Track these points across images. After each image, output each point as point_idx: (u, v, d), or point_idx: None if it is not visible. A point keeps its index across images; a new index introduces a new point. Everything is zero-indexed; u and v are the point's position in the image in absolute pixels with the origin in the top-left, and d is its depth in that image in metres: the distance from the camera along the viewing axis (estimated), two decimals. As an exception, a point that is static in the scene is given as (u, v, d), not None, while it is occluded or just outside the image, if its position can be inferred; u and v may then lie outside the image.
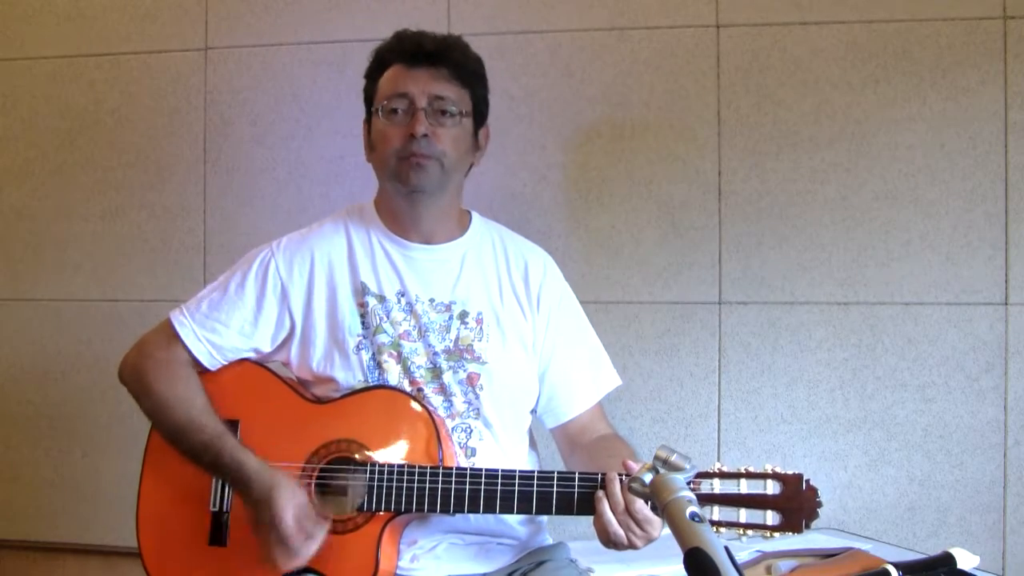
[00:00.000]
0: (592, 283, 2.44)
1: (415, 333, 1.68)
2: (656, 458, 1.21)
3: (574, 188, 2.48)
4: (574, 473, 1.53)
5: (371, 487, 1.56)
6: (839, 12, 2.38)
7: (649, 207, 2.45)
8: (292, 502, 1.53)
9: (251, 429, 1.66)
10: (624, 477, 1.47)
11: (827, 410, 2.39)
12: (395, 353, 1.67)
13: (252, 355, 1.73)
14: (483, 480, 1.54)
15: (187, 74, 2.64)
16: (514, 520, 1.70)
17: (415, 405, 1.62)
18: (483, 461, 1.65)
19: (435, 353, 1.67)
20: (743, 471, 1.45)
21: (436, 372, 1.67)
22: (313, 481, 1.60)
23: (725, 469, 1.45)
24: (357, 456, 1.60)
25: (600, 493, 1.47)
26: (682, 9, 2.44)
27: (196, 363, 1.70)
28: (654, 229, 2.45)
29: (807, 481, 1.43)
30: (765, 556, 1.96)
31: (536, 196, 2.49)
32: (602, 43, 2.47)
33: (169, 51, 2.65)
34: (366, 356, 1.66)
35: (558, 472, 1.54)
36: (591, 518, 1.49)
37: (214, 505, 1.65)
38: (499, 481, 1.54)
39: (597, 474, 1.51)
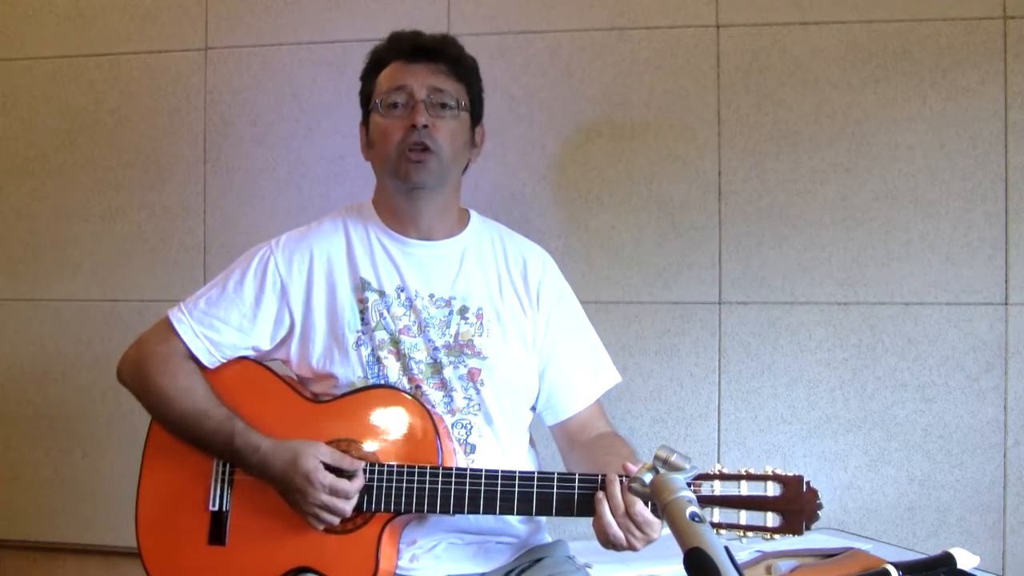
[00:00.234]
0: (592, 283, 2.44)
1: (415, 328, 1.68)
2: (656, 458, 1.22)
3: (574, 188, 2.48)
4: (574, 474, 1.53)
5: (370, 487, 1.57)
6: (839, 12, 2.38)
7: (649, 207, 2.45)
8: (318, 458, 1.55)
9: (252, 428, 1.65)
10: (624, 479, 1.47)
11: (827, 410, 2.39)
12: (394, 349, 1.67)
13: (251, 353, 1.73)
14: (483, 481, 1.55)
15: (187, 74, 2.64)
16: (514, 519, 1.70)
17: (414, 404, 1.62)
18: (482, 458, 1.66)
19: (435, 348, 1.67)
20: (743, 473, 1.45)
21: (436, 368, 1.67)
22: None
23: (725, 471, 1.45)
24: (356, 456, 1.60)
25: (600, 495, 1.47)
26: (682, 9, 2.44)
27: (195, 360, 1.70)
28: (654, 229, 2.45)
29: (807, 483, 1.43)
30: (765, 556, 1.96)
31: (536, 196, 2.49)
32: (602, 43, 2.47)
33: (169, 51, 2.65)
34: (365, 352, 1.67)
35: (558, 473, 1.54)
36: (591, 519, 1.49)
37: (213, 504, 1.65)
38: (499, 482, 1.54)
39: (597, 475, 1.51)
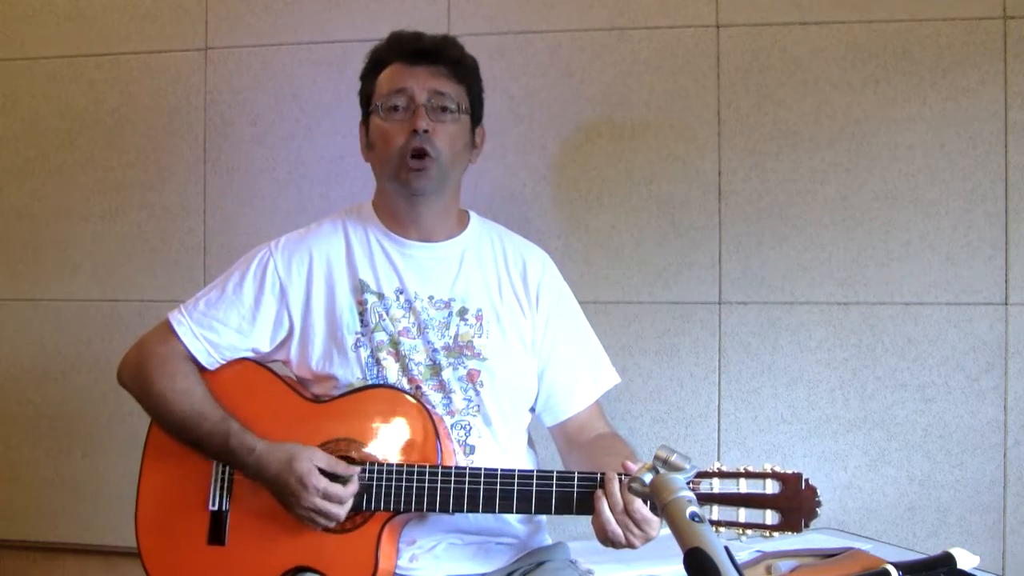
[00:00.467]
0: (592, 283, 2.44)
1: (414, 330, 1.68)
2: (656, 458, 1.22)
3: (574, 188, 2.48)
4: (573, 473, 1.53)
5: (370, 486, 1.57)
6: (839, 12, 2.38)
7: (649, 207, 2.45)
8: (313, 462, 1.55)
9: (250, 428, 1.65)
10: (623, 477, 1.47)
11: (827, 410, 2.39)
12: (393, 351, 1.67)
13: (251, 355, 1.73)
14: (482, 479, 1.55)
15: (187, 74, 2.64)
16: (513, 519, 1.70)
17: (414, 403, 1.62)
18: (482, 459, 1.65)
19: (434, 350, 1.67)
20: (742, 471, 1.45)
21: (435, 369, 1.67)
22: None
23: (724, 469, 1.45)
24: (356, 455, 1.60)
25: (599, 492, 1.47)
26: (682, 9, 2.44)
27: (194, 362, 1.70)
28: (654, 229, 2.45)
29: (806, 480, 1.43)
30: (765, 556, 1.95)
31: (536, 196, 2.49)
32: (602, 43, 2.47)
33: (169, 51, 2.65)
34: (364, 353, 1.67)
35: (557, 472, 1.54)
36: (590, 517, 1.49)
37: (213, 504, 1.65)
38: (498, 480, 1.54)
39: (596, 474, 1.51)
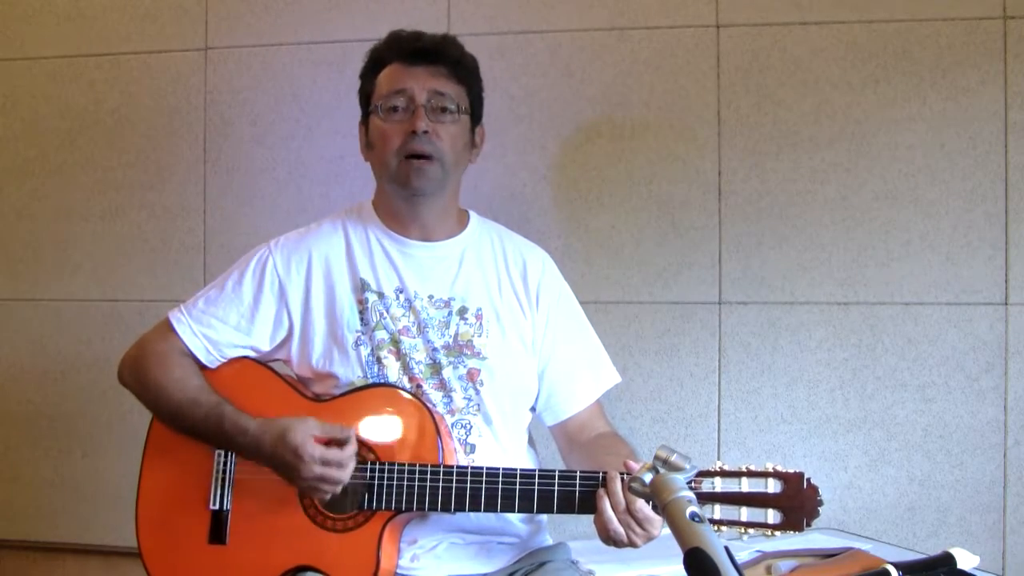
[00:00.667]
0: (592, 283, 2.44)
1: (414, 329, 1.68)
2: (656, 458, 1.22)
3: (574, 188, 2.48)
4: (575, 472, 1.54)
5: (371, 485, 1.57)
6: (839, 12, 2.38)
7: (649, 207, 2.45)
8: (308, 432, 1.54)
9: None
10: (625, 476, 1.47)
11: (827, 410, 2.39)
12: (394, 349, 1.67)
13: (251, 354, 1.73)
14: (484, 478, 1.55)
15: (187, 74, 2.64)
16: (515, 518, 1.70)
17: (414, 402, 1.62)
18: (482, 458, 1.66)
19: (434, 349, 1.67)
20: (744, 470, 1.45)
21: (436, 368, 1.67)
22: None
23: (726, 468, 1.45)
24: (357, 454, 1.60)
25: (601, 491, 1.48)
26: (682, 9, 2.44)
27: (194, 359, 1.70)
28: (654, 229, 2.45)
29: (808, 480, 1.43)
30: (765, 556, 1.95)
31: (536, 196, 2.49)
32: (602, 43, 2.47)
33: (169, 51, 2.65)
34: (365, 352, 1.67)
35: (559, 471, 1.54)
36: (591, 517, 1.50)
37: (213, 503, 1.65)
38: (500, 480, 1.54)
39: (598, 473, 1.51)
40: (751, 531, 1.43)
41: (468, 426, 1.67)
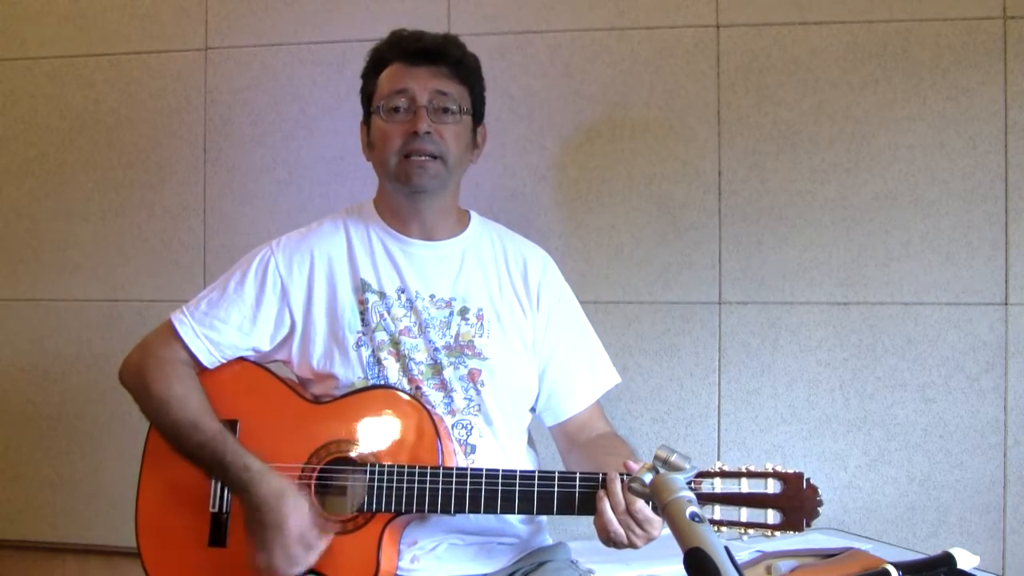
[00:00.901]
0: (592, 283, 2.44)
1: (415, 329, 1.68)
2: (656, 458, 1.22)
3: (574, 188, 2.48)
4: (575, 473, 1.53)
5: (371, 488, 1.57)
6: (839, 12, 2.38)
7: (649, 207, 2.45)
8: (297, 511, 1.54)
9: (250, 429, 1.66)
10: (625, 477, 1.47)
11: (827, 410, 2.39)
12: (394, 350, 1.67)
13: (251, 354, 1.73)
14: (484, 480, 1.54)
15: (187, 74, 2.64)
16: (515, 519, 1.70)
17: (414, 404, 1.62)
18: (482, 458, 1.66)
19: (435, 349, 1.67)
20: (744, 470, 1.45)
21: (436, 368, 1.67)
22: (313, 482, 1.60)
23: (726, 468, 1.45)
24: (357, 456, 1.60)
25: (601, 492, 1.47)
26: (682, 9, 2.44)
27: (195, 361, 1.70)
28: (654, 229, 2.45)
29: (808, 480, 1.43)
30: (765, 556, 1.96)
31: (536, 196, 2.49)
32: (602, 43, 2.47)
33: (169, 51, 2.65)
34: (366, 353, 1.67)
35: (559, 472, 1.54)
36: (591, 517, 1.50)
37: (213, 506, 1.65)
38: (500, 481, 1.54)
39: (598, 474, 1.51)
40: (751, 531, 1.43)
41: (469, 426, 1.67)
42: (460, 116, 1.69)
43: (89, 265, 2.68)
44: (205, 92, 2.64)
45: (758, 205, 2.41)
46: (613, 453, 1.62)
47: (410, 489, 1.56)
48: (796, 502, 1.42)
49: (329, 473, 1.60)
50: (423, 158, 1.65)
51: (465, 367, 1.68)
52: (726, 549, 1.03)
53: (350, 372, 1.66)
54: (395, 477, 1.56)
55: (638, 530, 1.45)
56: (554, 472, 1.54)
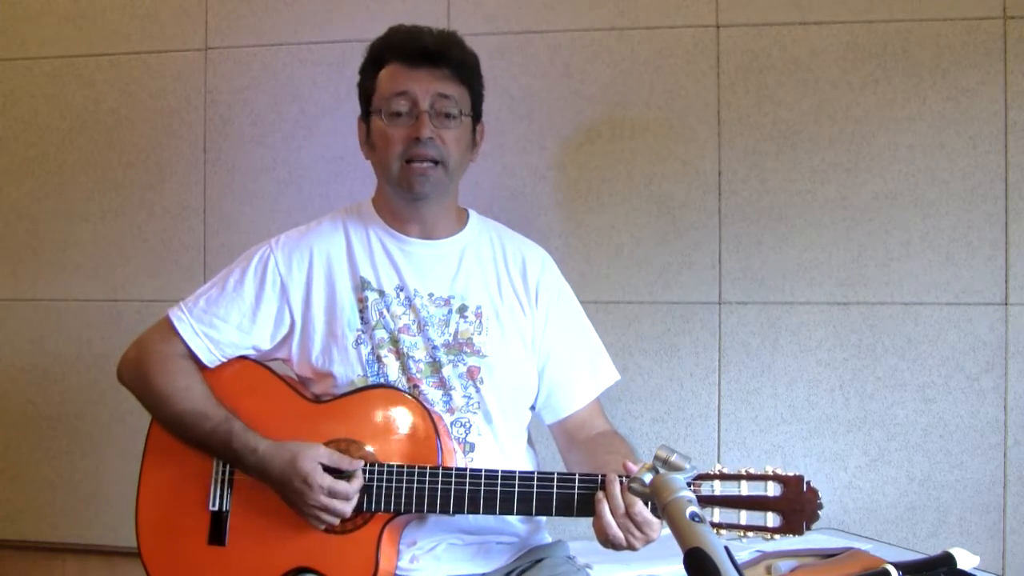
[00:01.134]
0: (592, 283, 2.44)
1: (414, 327, 1.68)
2: (656, 458, 1.22)
3: (574, 188, 2.48)
4: (574, 474, 1.53)
5: (370, 487, 1.57)
6: (839, 12, 2.38)
7: (649, 207, 2.45)
8: (316, 460, 1.56)
9: (251, 428, 1.65)
10: (624, 479, 1.47)
11: (827, 410, 2.39)
12: (394, 348, 1.67)
13: (252, 352, 1.73)
14: (483, 481, 1.55)
15: (187, 74, 2.64)
16: (513, 518, 1.70)
17: (414, 403, 1.62)
18: (481, 457, 1.66)
19: (434, 347, 1.67)
20: (743, 473, 1.45)
21: (435, 366, 1.67)
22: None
23: (725, 471, 1.45)
24: (356, 456, 1.60)
25: (600, 495, 1.47)
26: (682, 9, 2.44)
27: (195, 359, 1.70)
28: (654, 229, 2.45)
29: (808, 483, 1.43)
30: (765, 556, 1.96)
31: (536, 195, 2.49)
32: (602, 43, 2.47)
33: (169, 51, 2.65)
34: (365, 350, 1.67)
35: (558, 473, 1.54)
36: (590, 519, 1.49)
37: (213, 505, 1.65)
38: (499, 482, 1.54)
39: (597, 475, 1.51)
40: (751, 534, 1.43)
41: (467, 425, 1.67)
42: (461, 119, 1.68)
43: (89, 265, 2.68)
44: (205, 92, 2.64)
45: (758, 205, 2.41)
46: (613, 451, 1.62)
47: (409, 489, 1.56)
48: (796, 505, 1.42)
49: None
50: (425, 164, 1.64)
51: (464, 364, 1.68)
52: (726, 549, 1.03)
53: (349, 370, 1.66)
54: (394, 477, 1.56)
55: (637, 532, 1.45)
56: (553, 473, 1.54)
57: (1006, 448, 2.33)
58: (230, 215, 2.61)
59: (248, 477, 1.63)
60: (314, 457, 1.56)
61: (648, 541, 1.46)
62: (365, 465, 1.58)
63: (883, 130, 2.37)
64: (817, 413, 2.39)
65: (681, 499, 1.13)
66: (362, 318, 1.69)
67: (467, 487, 1.55)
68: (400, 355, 1.67)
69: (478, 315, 1.71)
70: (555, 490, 1.53)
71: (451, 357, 1.68)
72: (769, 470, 1.44)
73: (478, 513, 1.56)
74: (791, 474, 1.43)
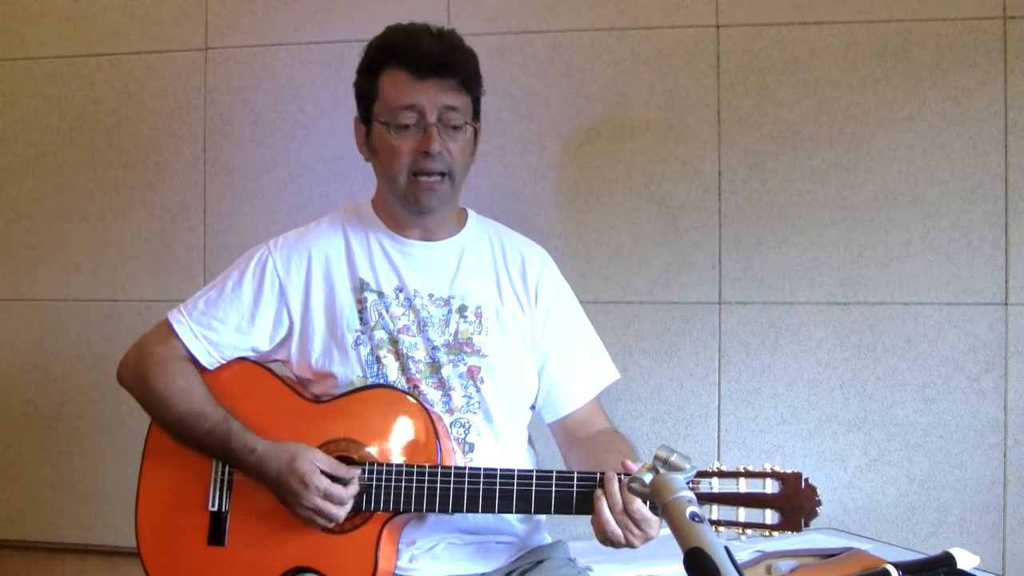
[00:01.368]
0: (592, 283, 2.44)
1: (414, 328, 1.68)
2: (656, 458, 1.22)
3: (574, 188, 2.48)
4: (573, 472, 1.53)
5: (370, 487, 1.57)
6: (839, 12, 2.38)
7: (649, 207, 2.45)
8: (315, 463, 1.55)
9: (250, 428, 1.65)
10: (623, 476, 1.47)
11: (827, 410, 2.39)
12: (393, 348, 1.67)
13: (251, 354, 1.73)
14: (482, 479, 1.55)
15: (187, 74, 2.64)
16: (513, 517, 1.70)
17: (413, 403, 1.62)
18: (481, 457, 1.66)
19: (434, 347, 1.67)
20: (742, 470, 1.45)
21: (435, 367, 1.67)
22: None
23: (724, 468, 1.45)
24: (356, 455, 1.60)
25: (599, 492, 1.47)
26: (682, 9, 2.44)
27: (194, 361, 1.70)
28: (654, 229, 2.45)
29: (806, 480, 1.43)
30: (765, 556, 1.95)
31: (536, 195, 2.49)
32: (602, 43, 2.47)
33: (169, 51, 2.66)
34: (364, 351, 1.67)
35: (557, 471, 1.54)
36: (589, 517, 1.49)
37: (212, 505, 1.65)
38: (498, 480, 1.54)
39: (596, 473, 1.51)
40: (749, 531, 1.43)
41: (467, 425, 1.67)
42: (466, 128, 1.67)
43: (89, 265, 2.68)
44: (205, 92, 2.64)
45: (758, 205, 2.41)
46: (613, 450, 1.62)
47: (408, 488, 1.56)
48: (794, 502, 1.42)
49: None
50: (432, 179, 1.64)
51: (464, 364, 1.68)
52: (726, 549, 1.03)
53: (349, 371, 1.67)
54: (394, 476, 1.56)
55: (636, 530, 1.45)
56: (552, 471, 1.54)
57: (1006, 448, 2.33)
58: (230, 215, 2.61)
59: (247, 478, 1.63)
60: (312, 460, 1.56)
61: (647, 538, 1.46)
62: (364, 465, 1.58)
63: (883, 130, 2.36)
64: (817, 413, 2.39)
65: (681, 499, 1.13)
66: (361, 319, 1.69)
67: (466, 486, 1.55)
68: (399, 356, 1.67)
69: (478, 315, 1.71)
70: (554, 488, 1.53)
71: (451, 357, 1.68)
72: (767, 467, 1.44)
73: (477, 512, 1.56)
74: (789, 471, 1.43)
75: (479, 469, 1.56)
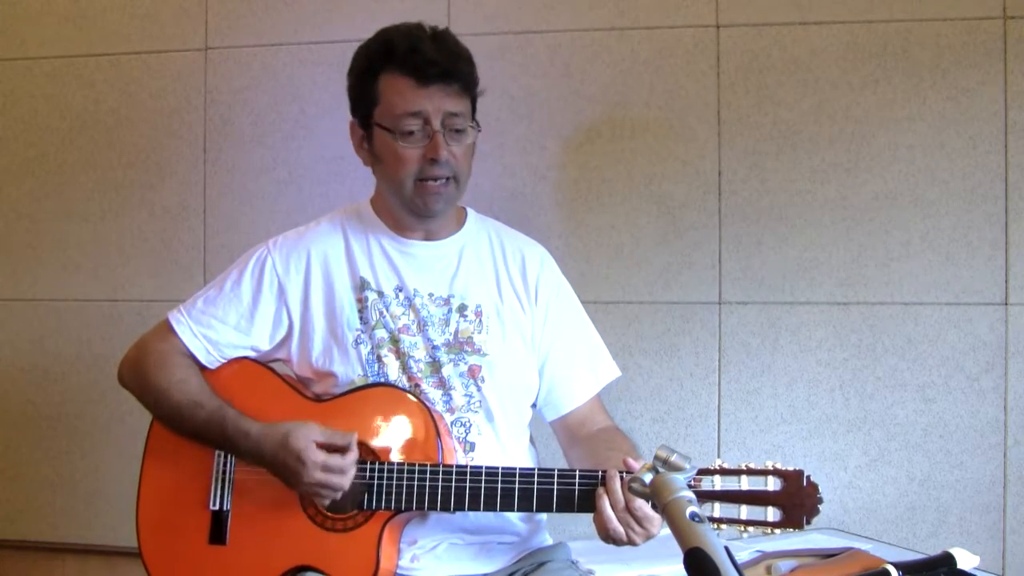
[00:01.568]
0: (592, 283, 2.44)
1: (414, 327, 1.68)
2: (656, 458, 1.22)
3: (574, 187, 2.48)
4: (574, 471, 1.53)
5: (371, 485, 1.57)
6: (839, 12, 2.38)
7: (649, 207, 2.45)
8: (309, 437, 1.54)
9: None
10: (625, 475, 1.47)
11: (827, 410, 2.39)
12: (394, 348, 1.67)
13: (251, 353, 1.73)
14: (483, 478, 1.55)
15: (187, 74, 2.64)
16: (514, 517, 1.70)
17: (414, 402, 1.62)
18: (482, 456, 1.66)
19: (434, 347, 1.67)
20: (744, 467, 1.45)
21: (435, 366, 1.67)
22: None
23: (726, 466, 1.45)
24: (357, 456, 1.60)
25: (600, 490, 1.47)
26: (682, 9, 2.44)
27: (194, 360, 1.70)
28: (654, 229, 2.45)
29: (808, 477, 1.43)
30: (765, 556, 1.95)
31: (536, 195, 2.49)
32: (602, 43, 2.47)
33: (169, 51, 2.66)
34: (365, 350, 1.67)
35: (558, 470, 1.54)
36: (591, 516, 1.49)
37: (214, 504, 1.65)
38: (499, 479, 1.54)
39: (597, 471, 1.51)
40: (751, 529, 1.43)
41: (468, 424, 1.67)
42: (468, 131, 1.67)
43: (89, 265, 2.68)
44: (205, 92, 2.64)
45: (758, 205, 2.41)
46: (614, 448, 1.62)
47: (410, 487, 1.56)
48: (796, 499, 1.42)
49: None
50: (438, 183, 1.63)
51: (465, 363, 1.68)
52: (726, 549, 1.03)
53: (350, 370, 1.67)
54: (395, 475, 1.56)
55: (637, 528, 1.45)
56: (553, 470, 1.54)
57: (1006, 448, 2.33)
58: (230, 215, 2.61)
59: (248, 476, 1.63)
60: (306, 435, 1.55)
61: (648, 536, 1.46)
62: (366, 463, 1.58)
63: (883, 130, 2.37)
64: (817, 413, 2.39)
65: (681, 499, 1.13)
66: (361, 318, 1.69)
67: (468, 484, 1.55)
68: (400, 355, 1.67)
69: (478, 314, 1.71)
70: (555, 486, 1.53)
71: (452, 356, 1.68)
72: (769, 465, 1.44)
73: (479, 510, 1.56)
74: (791, 468, 1.44)
75: (480, 467, 1.56)
